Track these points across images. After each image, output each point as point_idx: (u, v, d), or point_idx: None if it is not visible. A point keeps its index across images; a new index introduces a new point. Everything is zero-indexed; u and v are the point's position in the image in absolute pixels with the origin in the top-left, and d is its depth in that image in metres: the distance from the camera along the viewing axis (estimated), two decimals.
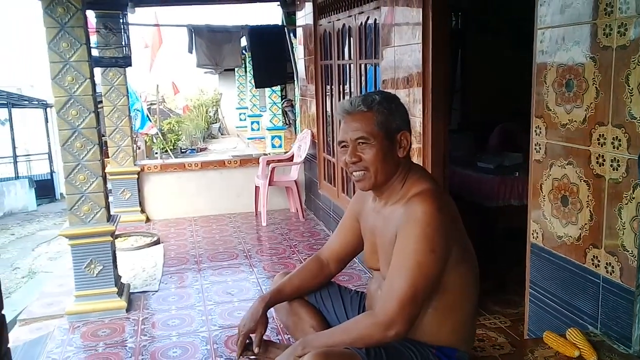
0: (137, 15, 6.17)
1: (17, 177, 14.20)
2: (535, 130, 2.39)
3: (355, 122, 1.79)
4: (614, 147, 1.97)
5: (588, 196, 2.12)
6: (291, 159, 6.51)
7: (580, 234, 2.18)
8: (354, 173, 1.83)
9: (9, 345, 1.87)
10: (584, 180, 2.13)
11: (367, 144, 1.78)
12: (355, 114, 1.80)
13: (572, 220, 2.22)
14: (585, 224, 2.15)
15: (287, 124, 10.94)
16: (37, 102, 15.21)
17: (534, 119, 2.40)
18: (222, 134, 19.88)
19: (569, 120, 2.18)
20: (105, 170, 3.93)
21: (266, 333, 2.05)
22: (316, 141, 6.03)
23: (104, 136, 4.81)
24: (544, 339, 2.10)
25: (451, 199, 1.80)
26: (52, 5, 3.50)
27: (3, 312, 1.12)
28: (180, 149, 15.90)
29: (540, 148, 2.38)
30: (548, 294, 2.41)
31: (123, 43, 5.71)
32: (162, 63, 12.38)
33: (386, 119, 1.79)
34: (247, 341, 2.03)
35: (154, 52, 10.78)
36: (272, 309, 2.20)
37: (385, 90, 3.71)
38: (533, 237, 2.48)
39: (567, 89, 2.18)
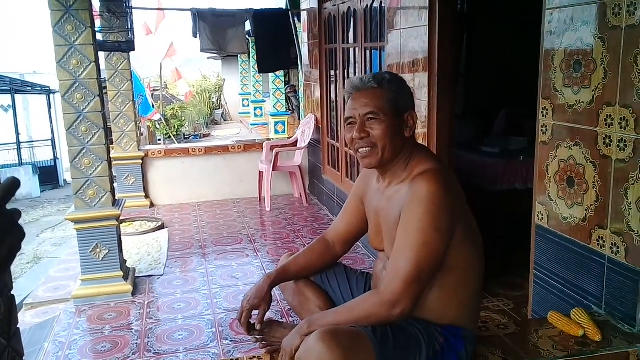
0: (140, 0, 6.14)
1: (20, 164, 14.23)
2: (542, 112, 2.39)
3: (365, 98, 1.79)
4: (621, 128, 1.96)
5: (594, 177, 2.12)
6: (295, 144, 6.51)
7: (585, 215, 2.18)
8: (360, 150, 1.81)
9: (18, 326, 1.89)
10: (591, 162, 2.13)
11: (376, 120, 1.77)
12: (365, 90, 1.80)
13: (577, 201, 2.22)
14: (591, 205, 2.15)
15: (290, 110, 10.91)
16: (40, 89, 15.20)
17: (541, 100, 2.39)
18: (225, 120, 19.85)
19: (576, 101, 2.18)
20: (110, 156, 3.94)
21: (270, 315, 2.06)
22: (320, 126, 6.02)
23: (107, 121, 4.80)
24: (549, 318, 2.11)
25: (455, 177, 1.79)
26: None
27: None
28: (184, 135, 15.89)
29: (546, 130, 2.38)
30: (552, 275, 2.41)
31: (127, 27, 5.69)
32: (164, 46, 12.33)
33: (395, 97, 1.79)
34: (250, 320, 2.04)
35: (158, 22, 10.80)
36: (278, 290, 2.21)
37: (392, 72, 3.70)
38: (538, 219, 2.49)
39: (575, 69, 2.17)
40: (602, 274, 2.13)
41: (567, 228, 2.29)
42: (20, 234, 0.77)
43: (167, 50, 11.91)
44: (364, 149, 1.80)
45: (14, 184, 0.76)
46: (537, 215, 2.49)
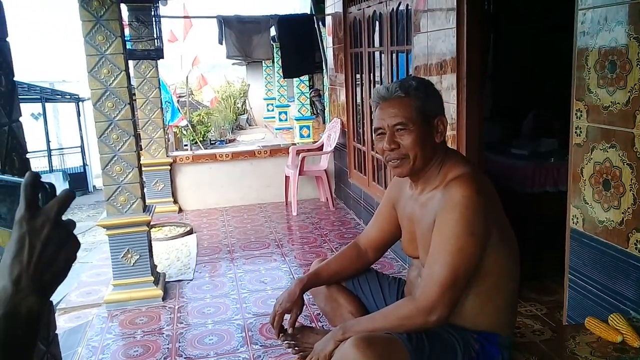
0: (168, 8, 6.23)
1: (51, 171, 14.51)
2: (576, 114, 2.35)
3: (393, 108, 1.77)
4: None
5: (631, 179, 2.07)
6: (321, 148, 6.51)
7: (622, 218, 2.14)
8: (391, 160, 1.80)
9: (56, 332, 1.93)
10: (627, 164, 2.08)
11: (405, 130, 1.76)
12: (392, 100, 1.78)
13: (614, 204, 2.17)
14: (628, 207, 2.10)
15: (314, 114, 10.93)
16: (69, 97, 15.48)
17: (574, 102, 2.35)
18: (250, 125, 19.95)
19: (611, 102, 2.13)
20: (140, 162, 3.99)
21: (299, 320, 2.06)
22: (346, 130, 6.01)
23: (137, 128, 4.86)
24: (586, 324, 2.07)
25: (489, 180, 1.77)
26: None
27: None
28: (210, 140, 16.01)
29: (580, 131, 2.33)
30: (588, 280, 2.37)
31: (155, 35, 5.77)
32: (191, 55, 12.49)
33: (423, 104, 1.77)
34: (282, 324, 2.04)
35: (185, 33, 10.97)
36: (310, 296, 2.21)
37: (418, 76, 3.68)
38: (573, 223, 2.44)
39: (610, 70, 2.12)
40: None
41: (603, 232, 2.25)
42: (76, 245, 0.78)
43: (193, 61, 12.07)
44: (395, 159, 1.79)
45: (70, 196, 0.77)
46: (572, 219, 2.45)
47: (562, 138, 3.73)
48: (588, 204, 2.33)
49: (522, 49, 5.49)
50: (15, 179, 0.79)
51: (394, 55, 4.55)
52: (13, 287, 0.72)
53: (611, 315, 2.04)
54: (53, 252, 0.75)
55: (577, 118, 2.35)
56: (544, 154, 4.45)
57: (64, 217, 0.77)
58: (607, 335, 1.97)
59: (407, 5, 4.09)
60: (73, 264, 0.78)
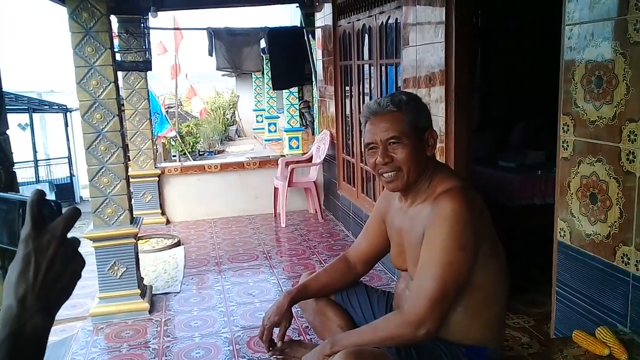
0: (157, 20, 6.23)
1: (37, 181, 14.39)
2: (563, 128, 2.37)
3: (385, 123, 1.77)
4: None
5: (618, 193, 2.09)
6: (310, 160, 6.51)
7: (609, 232, 2.15)
8: (384, 174, 1.80)
9: None
10: (614, 178, 2.10)
11: (398, 144, 1.76)
12: (383, 115, 1.78)
13: (601, 218, 2.19)
14: (615, 221, 2.12)
15: (304, 126, 10.94)
16: (57, 107, 15.40)
17: (562, 116, 2.37)
18: (239, 136, 19.94)
19: (598, 117, 2.16)
20: (128, 174, 3.97)
21: (287, 333, 2.05)
22: (335, 142, 6.02)
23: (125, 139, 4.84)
24: (573, 337, 2.08)
25: (478, 194, 1.78)
26: (78, 10, 3.55)
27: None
28: (198, 151, 15.98)
29: (567, 145, 2.35)
30: (576, 293, 2.38)
31: (144, 47, 5.76)
32: (181, 66, 12.47)
33: (415, 118, 1.78)
34: (271, 338, 2.03)
35: (177, 44, 10.94)
36: (298, 309, 2.20)
37: (406, 90, 3.70)
38: (560, 236, 2.45)
39: (596, 85, 2.15)
40: (627, 291, 2.09)
41: (591, 245, 2.26)
42: (81, 263, 0.78)
43: (175, 70, 11.94)
44: (389, 173, 1.79)
45: (76, 213, 0.77)
46: (559, 232, 2.46)
47: (549, 150, 3.76)
48: (575, 217, 2.35)
49: (511, 62, 5.54)
50: (8, 195, 0.78)
51: (383, 68, 4.58)
52: (19, 306, 0.72)
53: (598, 328, 2.04)
54: (59, 271, 0.75)
55: (564, 132, 2.37)
56: (532, 167, 4.49)
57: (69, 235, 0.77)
58: (594, 349, 1.98)
59: (397, 19, 4.12)
60: (78, 282, 0.78)
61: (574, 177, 2.33)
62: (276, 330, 2.02)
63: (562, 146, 2.39)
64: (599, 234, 2.21)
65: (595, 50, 2.14)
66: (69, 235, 0.77)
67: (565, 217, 2.42)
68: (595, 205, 2.22)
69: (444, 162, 3.16)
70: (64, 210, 0.78)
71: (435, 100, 3.44)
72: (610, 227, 2.14)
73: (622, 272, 2.10)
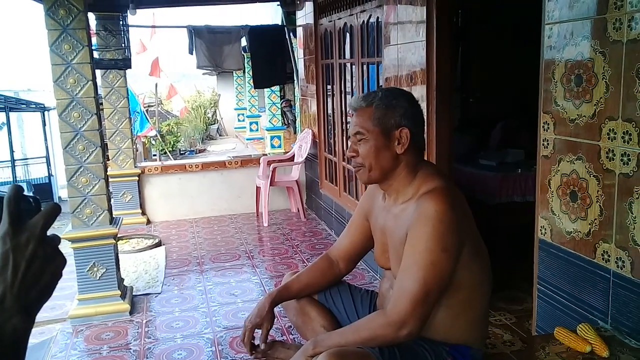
0: (136, 17, 6.16)
1: (15, 181, 14.14)
2: (543, 126, 2.38)
3: (357, 117, 1.83)
4: (624, 142, 1.96)
5: (598, 191, 2.11)
6: (292, 158, 6.49)
7: (590, 229, 2.17)
8: (353, 167, 1.89)
9: None
10: (594, 175, 2.12)
11: (362, 139, 1.80)
12: (358, 109, 1.84)
13: (581, 215, 2.21)
14: (595, 219, 2.14)
15: (286, 124, 10.92)
16: (34, 106, 15.15)
17: (542, 114, 2.39)
18: (220, 135, 19.81)
19: (577, 115, 2.17)
20: (107, 173, 3.91)
21: (270, 333, 2.04)
22: (317, 141, 6.01)
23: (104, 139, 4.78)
24: (555, 335, 2.09)
25: (462, 195, 1.78)
26: (54, 7, 3.48)
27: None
28: (179, 150, 15.85)
29: (548, 144, 2.37)
30: (557, 290, 2.39)
31: (123, 45, 5.69)
32: (161, 65, 12.35)
33: (384, 115, 1.78)
34: (253, 340, 2.01)
35: (151, 36, 10.82)
36: (281, 309, 2.19)
37: (393, 87, 3.70)
38: (541, 233, 2.47)
39: (576, 84, 2.17)
40: (608, 288, 2.11)
41: (571, 242, 2.28)
42: (62, 262, 0.75)
43: (152, 67, 11.77)
44: (355, 166, 1.86)
45: (56, 210, 0.74)
46: (540, 230, 2.48)
47: (529, 148, 3.79)
48: (556, 215, 2.36)
49: (493, 61, 5.59)
50: None
51: (365, 67, 4.58)
52: None
53: (580, 325, 2.06)
54: (38, 270, 0.72)
55: (544, 130, 2.39)
56: (512, 165, 4.53)
57: (48, 232, 0.74)
58: (576, 346, 1.99)
59: (378, 17, 4.12)
60: (59, 282, 0.75)
61: (554, 175, 2.35)
62: (259, 333, 2.00)
63: (543, 144, 2.41)
64: (580, 232, 2.23)
65: (575, 49, 2.16)
66: (49, 232, 0.74)
67: (545, 215, 2.44)
68: (575, 202, 2.24)
69: (430, 161, 3.16)
70: (43, 206, 0.75)
71: (417, 99, 3.43)
72: (591, 224, 2.16)
73: (602, 269, 2.12)
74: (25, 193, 0.74)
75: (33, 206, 0.74)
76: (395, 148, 1.79)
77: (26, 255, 0.71)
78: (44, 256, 0.72)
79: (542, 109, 2.39)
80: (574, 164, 2.22)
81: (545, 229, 2.44)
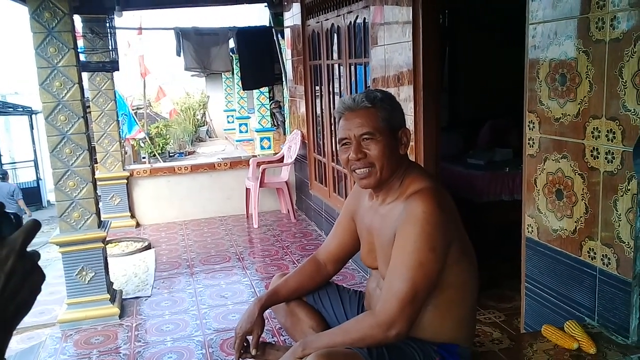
0: (123, 19, 6.12)
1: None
2: (529, 125, 2.40)
3: (359, 118, 1.76)
4: (608, 140, 1.98)
5: (583, 189, 2.13)
6: (281, 160, 6.49)
7: (575, 227, 2.19)
8: (357, 170, 1.79)
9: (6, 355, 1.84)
10: (579, 174, 2.14)
11: (372, 140, 1.75)
12: (358, 110, 1.77)
13: (567, 213, 2.23)
14: (581, 216, 2.15)
15: (275, 125, 10.90)
16: (22, 109, 15.04)
17: (527, 113, 2.41)
18: (210, 137, 19.77)
19: (562, 114, 2.19)
20: (95, 177, 3.89)
21: (261, 336, 2.04)
22: (306, 142, 6.01)
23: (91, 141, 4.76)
24: (543, 332, 2.11)
25: (449, 195, 1.79)
26: (39, 10, 3.46)
27: None
28: (169, 152, 15.80)
29: (533, 142, 2.39)
30: (544, 288, 2.41)
31: (110, 47, 5.67)
32: (150, 68, 12.27)
33: (389, 115, 1.78)
34: (245, 344, 2.01)
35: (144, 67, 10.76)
36: (270, 311, 2.18)
37: (380, 89, 3.71)
38: (528, 232, 2.49)
39: (560, 83, 2.18)
40: (594, 285, 2.13)
41: (557, 240, 2.30)
42: (40, 277, 0.76)
43: (140, 67, 11.71)
44: (362, 169, 1.77)
45: (36, 226, 0.75)
46: (527, 228, 2.49)
47: (517, 147, 3.82)
48: (542, 213, 2.38)
49: (480, 61, 5.62)
50: None
51: (353, 68, 4.58)
52: None
53: (567, 322, 2.08)
54: (17, 285, 0.72)
55: (529, 129, 2.40)
56: (500, 164, 4.56)
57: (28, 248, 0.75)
58: (563, 343, 2.01)
59: (365, 18, 4.13)
60: (37, 297, 0.76)
61: (540, 174, 2.37)
62: (250, 338, 2.00)
63: (528, 143, 2.42)
64: (566, 229, 2.24)
65: (559, 48, 2.17)
66: (29, 248, 0.75)
67: (532, 213, 2.45)
68: (561, 201, 2.25)
69: (416, 162, 3.17)
70: (24, 222, 0.76)
71: (404, 99, 3.46)
72: (576, 222, 2.18)
73: (588, 267, 2.14)
74: (6, 210, 0.75)
75: (13, 222, 0.75)
76: (400, 149, 1.80)
77: (5, 271, 0.71)
78: (23, 271, 0.73)
79: (527, 108, 2.41)
80: (560, 162, 2.24)
81: (532, 227, 2.46)
